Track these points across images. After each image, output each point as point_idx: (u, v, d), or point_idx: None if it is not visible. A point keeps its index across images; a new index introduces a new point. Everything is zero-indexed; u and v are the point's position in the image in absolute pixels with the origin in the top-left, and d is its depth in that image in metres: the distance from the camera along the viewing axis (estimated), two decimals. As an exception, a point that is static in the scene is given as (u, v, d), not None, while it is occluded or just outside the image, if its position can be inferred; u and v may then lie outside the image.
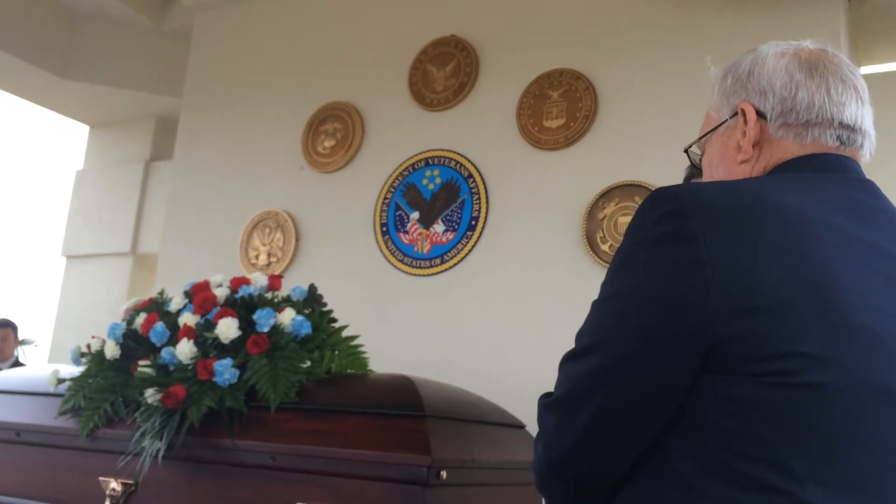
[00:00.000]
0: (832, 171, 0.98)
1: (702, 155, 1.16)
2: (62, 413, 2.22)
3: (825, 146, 1.00)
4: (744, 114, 1.04)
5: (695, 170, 1.17)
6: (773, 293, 0.82)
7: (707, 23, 3.29)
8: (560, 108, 3.51)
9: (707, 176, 1.13)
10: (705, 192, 0.89)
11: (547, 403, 0.96)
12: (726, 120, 1.08)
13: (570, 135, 3.45)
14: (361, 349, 2.21)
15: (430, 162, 3.77)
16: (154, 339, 2.16)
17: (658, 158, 3.21)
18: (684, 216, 0.86)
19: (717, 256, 0.83)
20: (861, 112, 1.02)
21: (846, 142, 1.01)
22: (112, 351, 2.22)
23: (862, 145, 1.03)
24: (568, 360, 0.95)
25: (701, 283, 0.83)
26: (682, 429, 0.86)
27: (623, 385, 0.88)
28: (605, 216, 3.26)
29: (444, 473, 1.69)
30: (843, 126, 1.01)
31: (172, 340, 2.14)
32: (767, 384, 0.81)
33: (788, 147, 1.01)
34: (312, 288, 2.30)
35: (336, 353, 2.15)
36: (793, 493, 0.79)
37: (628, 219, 3.22)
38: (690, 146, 1.19)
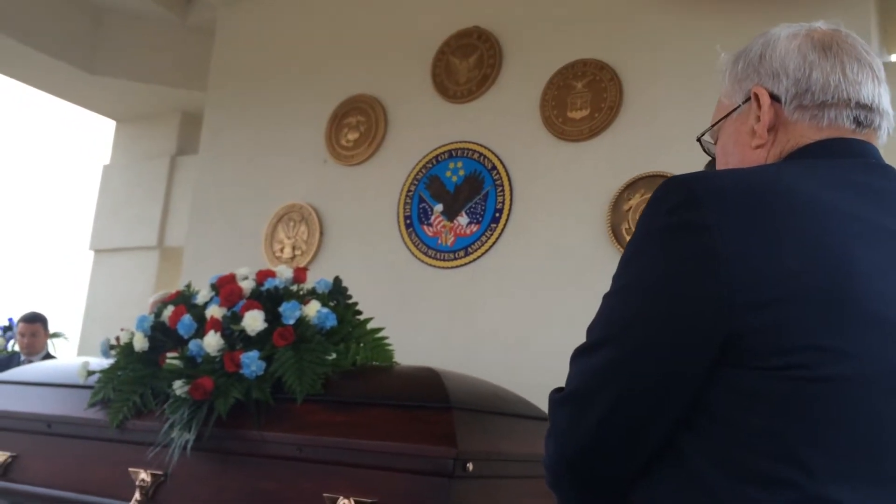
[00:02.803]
0: (850, 156, 0.95)
1: (715, 143, 1.14)
2: (92, 405, 2.25)
3: (842, 129, 0.97)
4: (757, 98, 1.02)
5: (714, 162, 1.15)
6: (790, 284, 0.80)
7: (734, 10, 3.24)
8: (584, 98, 3.48)
9: (721, 163, 1.11)
10: (719, 180, 0.87)
11: (559, 399, 0.94)
12: (739, 105, 1.05)
13: (595, 126, 3.42)
14: (386, 341, 2.21)
15: (454, 154, 3.76)
16: (181, 331, 2.18)
17: (684, 149, 3.16)
18: (698, 206, 0.84)
19: (731, 247, 0.81)
20: (878, 91, 0.99)
21: (864, 122, 0.98)
22: (140, 343, 2.24)
23: (879, 125, 1.00)
24: (579, 354, 0.93)
25: (715, 274, 0.81)
26: (696, 423, 0.84)
27: (636, 380, 0.86)
28: (630, 207, 3.23)
29: (470, 465, 1.69)
30: (861, 106, 0.98)
31: (199, 333, 2.15)
32: (783, 378, 0.79)
33: (804, 130, 0.98)
34: (337, 280, 2.31)
35: (361, 345, 2.16)
36: (807, 488, 0.77)
37: (654, 210, 3.21)
38: (703, 134, 1.16)
